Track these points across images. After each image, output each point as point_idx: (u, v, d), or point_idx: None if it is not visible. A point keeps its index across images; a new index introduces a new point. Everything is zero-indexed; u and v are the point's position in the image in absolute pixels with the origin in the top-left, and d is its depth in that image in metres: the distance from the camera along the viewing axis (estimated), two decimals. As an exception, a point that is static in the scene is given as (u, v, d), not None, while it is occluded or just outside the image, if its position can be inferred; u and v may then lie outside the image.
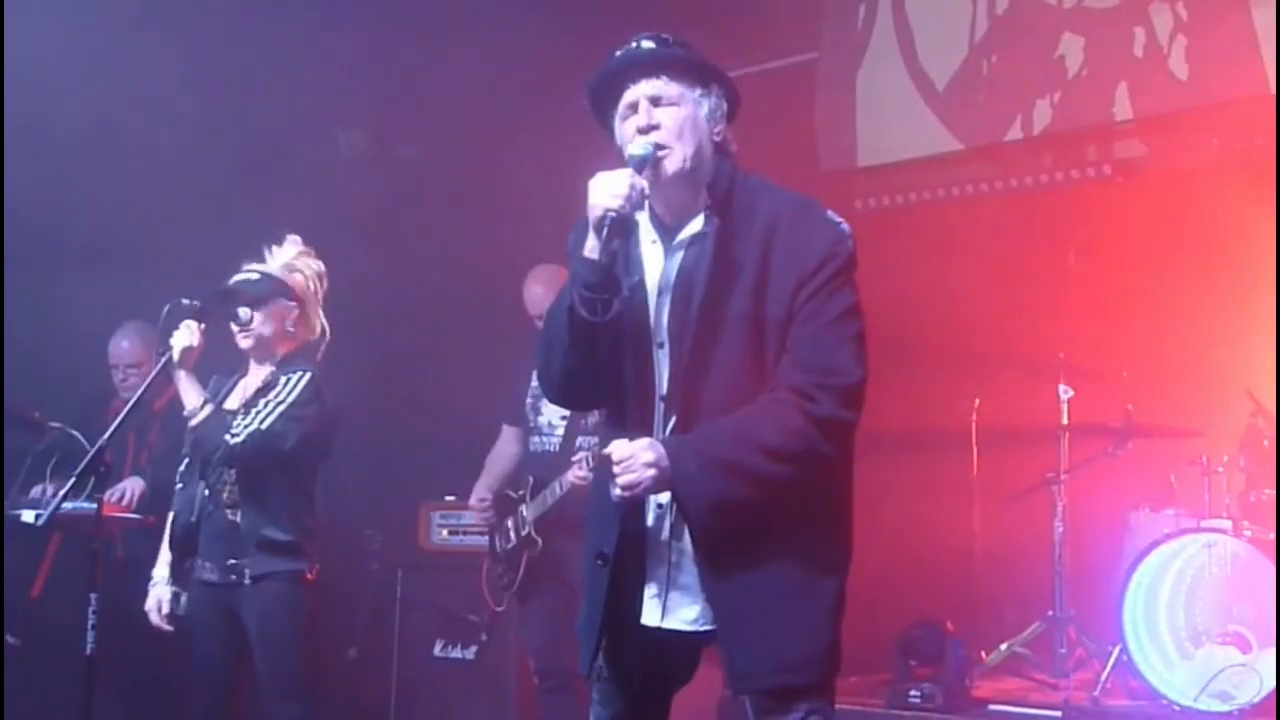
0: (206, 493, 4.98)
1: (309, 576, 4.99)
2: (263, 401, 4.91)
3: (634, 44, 3.47)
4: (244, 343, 5.06)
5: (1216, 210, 6.79)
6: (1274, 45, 6.67)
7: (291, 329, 5.10)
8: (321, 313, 5.19)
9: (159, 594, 5.11)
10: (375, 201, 7.70)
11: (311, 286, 5.18)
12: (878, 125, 8.21)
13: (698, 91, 3.42)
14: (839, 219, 3.41)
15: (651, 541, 3.44)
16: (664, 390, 3.41)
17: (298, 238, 5.25)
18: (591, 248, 3.27)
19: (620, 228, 3.25)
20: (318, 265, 5.23)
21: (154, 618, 5.11)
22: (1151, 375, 6.78)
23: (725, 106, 3.47)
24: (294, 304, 5.09)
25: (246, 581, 4.90)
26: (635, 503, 3.37)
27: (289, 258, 5.19)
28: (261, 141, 7.25)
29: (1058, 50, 7.53)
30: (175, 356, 4.90)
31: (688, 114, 3.39)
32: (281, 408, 4.88)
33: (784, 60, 8.42)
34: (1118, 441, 6.61)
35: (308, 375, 4.96)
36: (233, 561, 4.92)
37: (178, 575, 5.11)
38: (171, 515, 5.17)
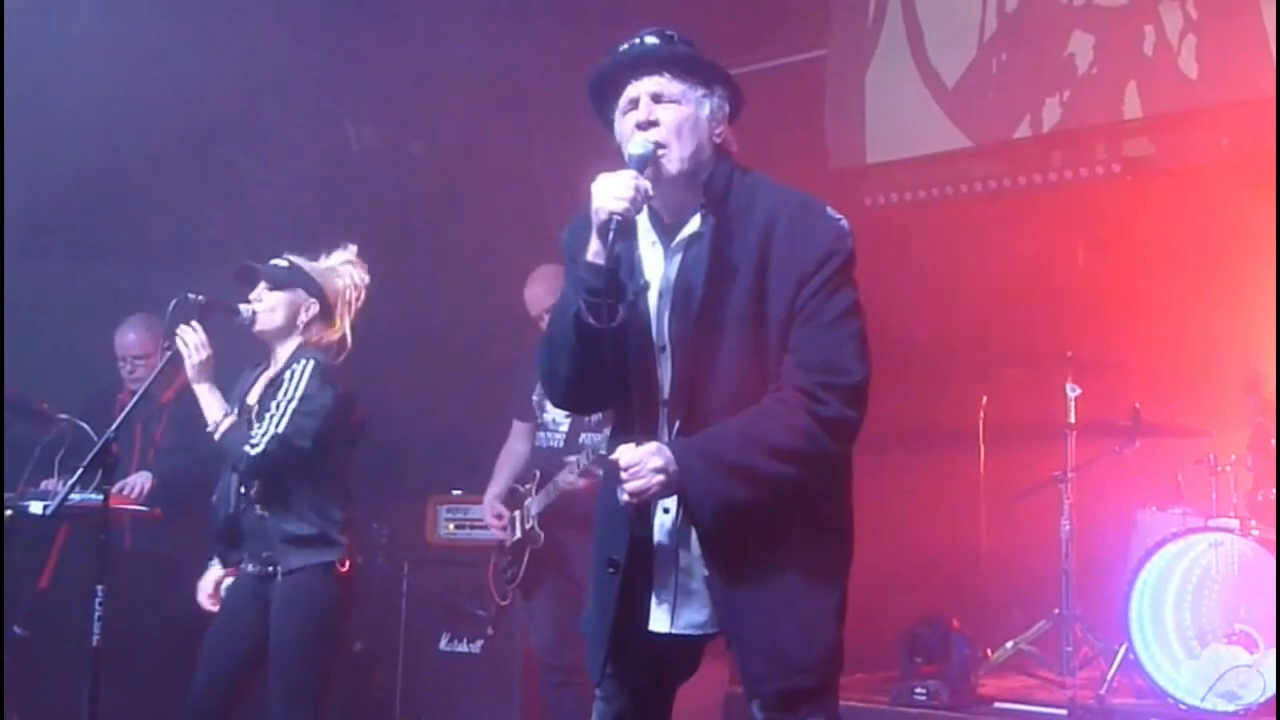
0: (241, 489, 4.97)
1: (341, 569, 4.88)
2: (274, 404, 4.83)
3: (638, 39, 3.43)
4: (256, 323, 5.02)
5: (1225, 210, 6.79)
6: (1281, 45, 6.67)
7: (304, 322, 5.00)
8: (348, 324, 5.08)
9: (210, 576, 5.11)
10: (383, 196, 7.71)
11: (347, 295, 5.08)
12: (887, 122, 8.20)
13: (700, 91, 3.39)
14: (838, 215, 3.38)
15: (659, 547, 3.43)
16: (666, 394, 3.39)
17: (354, 247, 5.17)
18: (595, 251, 3.23)
19: (625, 230, 3.23)
20: (360, 276, 5.13)
21: (200, 598, 5.10)
22: (1159, 374, 6.78)
23: (727, 108, 3.44)
24: (313, 299, 5.01)
25: (279, 577, 4.84)
26: (643, 508, 3.36)
27: (336, 262, 5.13)
28: (270, 134, 7.26)
29: (1067, 48, 7.52)
30: (190, 372, 4.86)
31: (689, 113, 3.36)
32: (292, 404, 4.80)
33: (793, 57, 8.41)
34: (1125, 440, 6.61)
35: (311, 363, 4.88)
36: (266, 554, 4.88)
37: (227, 563, 5.09)
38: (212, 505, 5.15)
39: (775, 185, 3.44)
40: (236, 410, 4.96)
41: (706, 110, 3.39)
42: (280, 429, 4.78)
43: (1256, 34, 6.90)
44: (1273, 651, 5.77)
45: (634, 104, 3.38)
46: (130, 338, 6.67)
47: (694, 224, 3.37)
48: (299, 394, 4.83)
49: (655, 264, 3.43)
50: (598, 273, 3.22)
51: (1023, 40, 7.72)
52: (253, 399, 5.01)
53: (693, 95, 3.38)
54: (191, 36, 6.82)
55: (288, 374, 4.89)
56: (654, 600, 3.43)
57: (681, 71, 3.38)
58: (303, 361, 4.90)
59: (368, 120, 8.46)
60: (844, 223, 3.37)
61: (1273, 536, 5.93)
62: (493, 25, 7.39)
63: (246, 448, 4.77)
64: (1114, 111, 7.42)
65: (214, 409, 4.89)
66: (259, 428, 4.81)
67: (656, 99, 3.36)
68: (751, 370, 3.32)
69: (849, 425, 3.30)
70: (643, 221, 3.42)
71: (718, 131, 3.41)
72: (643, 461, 3.24)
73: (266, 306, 4.98)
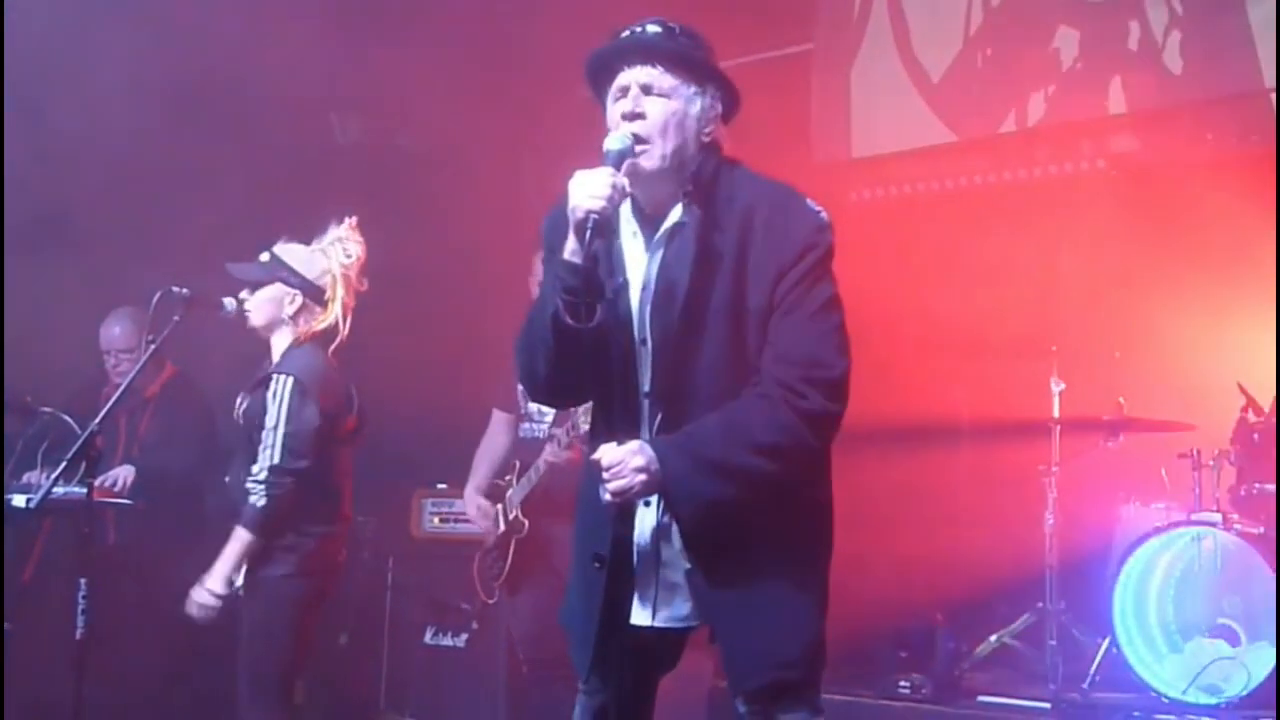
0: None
1: (304, 567, 4.85)
2: (264, 434, 4.78)
3: (639, 27, 3.42)
4: (249, 322, 5.02)
5: (1209, 205, 6.79)
6: (1271, 40, 6.67)
7: (290, 316, 4.97)
8: (338, 307, 4.98)
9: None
10: (368, 189, 7.69)
11: (336, 273, 5.00)
12: (872, 117, 8.21)
13: (692, 88, 3.37)
14: (818, 208, 3.38)
15: (641, 542, 3.42)
16: (647, 387, 3.38)
17: (352, 219, 5.09)
18: (573, 250, 3.21)
19: (602, 229, 3.21)
20: (346, 253, 5.03)
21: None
22: (1143, 369, 6.80)
23: (719, 107, 3.42)
24: (294, 290, 4.96)
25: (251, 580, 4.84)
26: (625, 506, 3.35)
27: (325, 241, 5.06)
28: (256, 128, 7.23)
29: (1052, 43, 7.53)
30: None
31: (676, 108, 3.34)
32: (280, 431, 4.76)
33: (778, 51, 8.41)
34: (1109, 434, 6.62)
35: (290, 381, 4.82)
36: None
37: None
38: None
39: (756, 176, 3.43)
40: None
41: (696, 108, 3.37)
42: (275, 460, 4.75)
43: (1241, 30, 6.92)
44: (1254, 645, 5.80)
45: (624, 92, 3.37)
46: (115, 331, 6.65)
47: (676, 214, 3.35)
48: (284, 417, 4.78)
49: (637, 256, 3.42)
50: (575, 271, 3.21)
51: (1008, 35, 7.73)
52: (237, 411, 5.00)
53: (684, 91, 3.36)
54: (178, 30, 6.80)
55: (269, 395, 4.83)
56: (636, 594, 3.42)
57: (675, 65, 3.36)
58: (280, 379, 4.84)
59: (353, 113, 8.45)
60: (824, 215, 3.37)
61: (1255, 531, 5.96)
62: (478, 16, 7.38)
63: (252, 499, 4.74)
64: (1099, 107, 7.43)
65: (232, 555, 4.80)
66: (255, 468, 4.77)
67: (646, 90, 3.35)
68: (732, 362, 3.32)
69: (830, 419, 3.30)
70: (624, 212, 3.41)
71: (706, 130, 3.39)
72: (624, 461, 3.23)
73: (251, 308, 4.98)
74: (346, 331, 5.00)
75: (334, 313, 5.00)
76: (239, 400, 5.02)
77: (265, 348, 5.04)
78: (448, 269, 7.91)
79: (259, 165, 7.06)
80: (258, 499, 4.73)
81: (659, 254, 3.37)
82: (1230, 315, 6.71)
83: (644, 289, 3.38)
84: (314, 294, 4.99)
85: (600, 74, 3.44)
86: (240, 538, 4.76)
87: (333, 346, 4.99)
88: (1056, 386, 6.63)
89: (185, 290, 4.88)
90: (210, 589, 4.76)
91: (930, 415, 7.35)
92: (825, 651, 3.41)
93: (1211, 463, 6.23)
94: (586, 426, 5.46)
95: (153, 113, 6.75)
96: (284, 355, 4.94)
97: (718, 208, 3.33)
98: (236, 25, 6.93)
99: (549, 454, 5.66)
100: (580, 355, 3.32)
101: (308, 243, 5.08)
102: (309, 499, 4.86)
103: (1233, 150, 7.00)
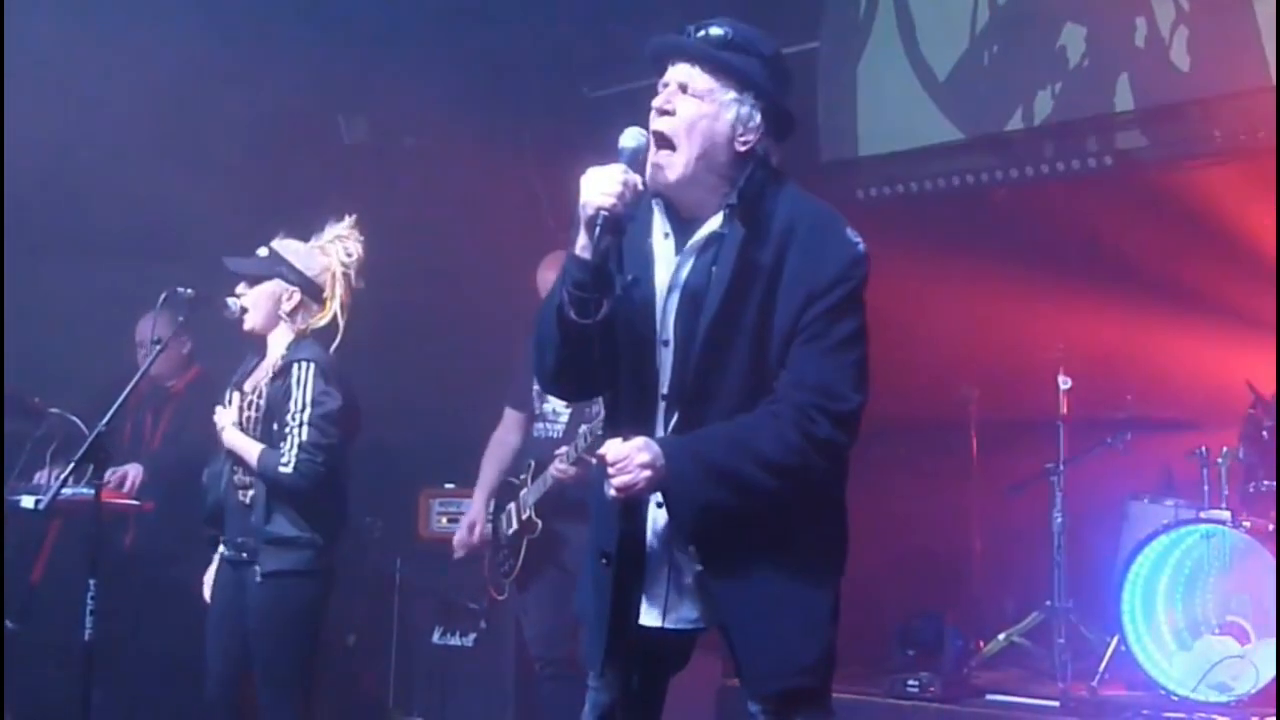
0: (233, 475, 4.94)
1: (317, 565, 4.87)
2: (289, 416, 4.77)
3: (697, 27, 3.36)
4: (244, 323, 5.00)
5: (1217, 202, 6.79)
6: (1275, 37, 6.66)
7: (288, 313, 4.95)
8: (338, 305, 4.97)
9: (214, 569, 5.08)
10: (376, 190, 7.70)
11: (336, 272, 4.99)
12: (879, 115, 8.19)
13: (731, 94, 3.31)
14: (856, 239, 3.33)
15: (652, 543, 3.42)
16: (665, 389, 3.37)
17: (351, 218, 5.07)
18: (583, 246, 3.20)
19: (613, 226, 3.19)
20: (347, 252, 5.02)
21: (205, 591, 5.09)
22: (1151, 366, 6.79)
23: (758, 118, 3.34)
24: (293, 287, 4.95)
25: (257, 576, 4.79)
26: (633, 502, 3.35)
27: (326, 239, 5.04)
28: (265, 130, 7.24)
29: (1059, 40, 7.51)
30: (222, 435, 4.91)
31: (707, 111, 3.30)
32: (307, 413, 4.76)
33: (785, 49, 8.35)
34: (1117, 432, 6.62)
35: (310, 365, 4.82)
36: (241, 540, 4.86)
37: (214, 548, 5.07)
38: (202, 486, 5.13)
39: (801, 195, 3.39)
40: (233, 394, 4.96)
41: (731, 114, 3.32)
42: (304, 438, 4.75)
43: (1248, 26, 6.90)
44: (1263, 642, 5.79)
45: (665, 87, 3.35)
46: (149, 325, 6.65)
47: (714, 223, 3.32)
48: (309, 400, 4.79)
49: (666, 257, 3.39)
50: (583, 267, 3.20)
51: (1014, 32, 7.71)
52: (249, 386, 4.98)
53: (721, 96, 3.31)
54: (184, 31, 6.81)
55: (293, 381, 4.82)
56: (647, 595, 3.42)
57: (715, 69, 3.32)
58: (301, 364, 4.84)
59: (360, 114, 8.45)
60: (861, 247, 3.33)
61: (1265, 528, 5.95)
62: (484, 17, 7.38)
63: (279, 468, 4.74)
64: (1105, 104, 7.41)
65: (251, 449, 4.85)
66: (284, 445, 4.76)
67: (683, 89, 3.32)
68: (750, 375, 3.30)
69: (838, 448, 3.29)
70: (657, 212, 3.39)
71: (743, 139, 3.33)
72: (630, 456, 3.22)
73: (249, 304, 4.95)
74: (343, 330, 4.99)
75: (332, 311, 4.99)
76: (234, 395, 5.01)
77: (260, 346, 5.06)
78: (455, 269, 7.91)
79: (265, 166, 7.06)
80: (287, 469, 4.73)
81: (691, 260, 3.35)
82: (1238, 312, 6.70)
83: (671, 291, 3.36)
84: (312, 291, 4.98)
85: (656, 64, 3.41)
86: (258, 452, 4.80)
87: (333, 346, 4.97)
88: (1064, 384, 6.63)
89: (190, 291, 4.89)
90: (222, 421, 4.88)
91: (938, 412, 7.34)
92: (836, 658, 3.41)
93: (1220, 460, 6.22)
94: (598, 435, 5.48)
95: (160, 115, 6.77)
96: (292, 347, 4.93)
97: (759, 224, 3.30)
98: (244, 26, 6.94)
99: (556, 469, 5.64)
100: (589, 351, 3.31)
101: (306, 239, 5.07)
102: (323, 494, 4.86)
103: (1240, 147, 6.98)
